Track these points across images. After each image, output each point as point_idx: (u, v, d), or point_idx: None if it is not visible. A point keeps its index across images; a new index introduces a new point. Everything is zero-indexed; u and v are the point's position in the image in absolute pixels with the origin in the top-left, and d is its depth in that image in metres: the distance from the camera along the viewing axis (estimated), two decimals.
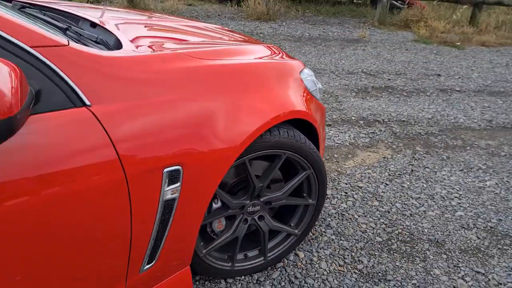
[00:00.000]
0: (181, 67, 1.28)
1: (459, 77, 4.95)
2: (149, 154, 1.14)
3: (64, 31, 1.34)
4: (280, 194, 1.68)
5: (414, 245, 2.04)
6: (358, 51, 5.71)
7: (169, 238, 1.29)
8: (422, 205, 2.37)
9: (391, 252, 1.98)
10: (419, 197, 2.45)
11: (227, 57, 1.51)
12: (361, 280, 1.80)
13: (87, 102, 1.04)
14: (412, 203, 2.39)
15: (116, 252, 1.16)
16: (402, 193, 2.48)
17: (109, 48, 1.35)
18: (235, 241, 1.67)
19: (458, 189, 2.57)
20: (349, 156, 2.90)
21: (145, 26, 1.86)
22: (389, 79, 4.65)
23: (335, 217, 2.20)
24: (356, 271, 1.84)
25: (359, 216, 2.22)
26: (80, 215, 1.03)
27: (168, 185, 1.21)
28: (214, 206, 1.59)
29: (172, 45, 1.50)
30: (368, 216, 2.23)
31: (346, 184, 2.53)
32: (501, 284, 1.84)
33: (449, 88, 4.53)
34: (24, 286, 1.00)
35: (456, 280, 1.84)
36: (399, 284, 1.79)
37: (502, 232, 2.19)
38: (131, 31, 1.62)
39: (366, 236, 2.07)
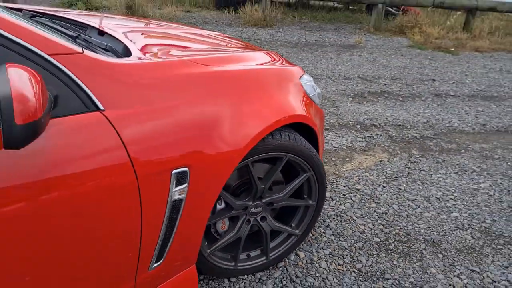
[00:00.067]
0: (188, 73, 1.34)
1: (454, 82, 5.03)
2: (159, 156, 1.20)
3: (74, 39, 1.40)
4: (282, 195, 1.73)
5: (411, 245, 2.10)
6: (354, 57, 5.80)
7: (176, 237, 1.35)
8: (418, 207, 2.44)
9: (389, 251, 2.04)
10: (415, 199, 2.51)
11: (230, 64, 1.57)
12: (360, 278, 1.85)
13: (101, 107, 1.10)
14: (409, 204, 2.45)
15: (127, 250, 1.22)
16: (399, 195, 2.55)
17: (117, 55, 1.40)
18: (238, 241, 1.72)
19: (453, 191, 2.64)
20: (347, 159, 2.97)
21: (150, 34, 1.92)
22: (385, 84, 4.73)
23: (334, 218, 2.26)
24: (355, 270, 1.90)
25: (357, 218, 2.28)
26: (96, 214, 1.08)
27: (176, 186, 1.26)
28: (218, 207, 1.64)
29: (178, 52, 1.56)
30: (366, 217, 2.29)
31: (344, 186, 2.59)
32: (495, 282, 1.90)
33: (443, 93, 4.62)
34: (45, 282, 1.05)
35: (452, 278, 1.90)
36: (397, 282, 1.85)
37: (496, 232, 2.25)
38: (138, 38, 1.68)
39: (364, 237, 2.13)
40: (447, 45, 6.90)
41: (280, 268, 1.87)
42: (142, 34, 1.83)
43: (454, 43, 7.04)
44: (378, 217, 2.31)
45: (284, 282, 1.79)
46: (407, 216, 2.34)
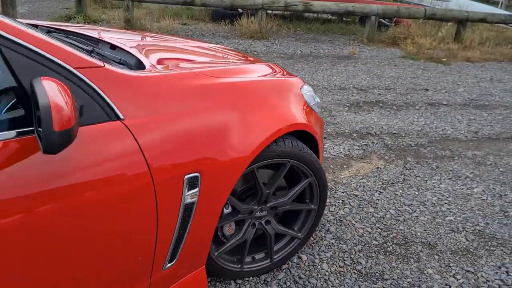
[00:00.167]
0: (198, 85, 1.44)
1: (446, 92, 5.17)
2: (173, 162, 1.29)
3: (89, 53, 1.49)
4: (286, 200, 1.82)
5: (408, 248, 2.19)
6: (349, 68, 5.93)
7: (188, 239, 1.43)
8: (415, 211, 2.53)
9: (387, 254, 2.13)
10: (412, 204, 2.61)
11: (236, 75, 1.67)
12: (360, 279, 1.94)
13: (121, 116, 1.19)
14: (405, 209, 2.54)
15: (144, 250, 1.30)
16: (396, 200, 2.64)
17: (131, 68, 1.50)
18: (244, 244, 1.81)
19: (447, 196, 2.73)
20: (344, 166, 3.06)
21: (157, 47, 2.02)
22: (380, 94, 4.85)
23: (333, 223, 2.35)
24: (356, 272, 1.98)
25: (356, 222, 2.37)
26: (117, 217, 1.17)
27: (188, 190, 1.34)
28: (225, 211, 1.72)
29: (187, 65, 1.66)
30: (365, 221, 2.38)
31: (343, 192, 2.68)
32: (489, 281, 1.99)
33: (436, 102, 4.74)
34: (74, 278, 1.13)
35: (448, 278, 1.98)
36: (396, 282, 1.93)
37: (490, 235, 2.35)
38: (147, 52, 1.78)
39: (363, 240, 2.22)
40: (439, 56, 7.05)
41: (284, 270, 1.95)
42: (149, 48, 1.93)
43: (446, 54, 7.21)
44: (376, 221, 2.40)
45: (288, 283, 1.87)
46: (404, 220, 2.43)
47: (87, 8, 7.68)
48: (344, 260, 2.05)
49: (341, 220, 2.38)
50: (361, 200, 2.61)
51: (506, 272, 2.06)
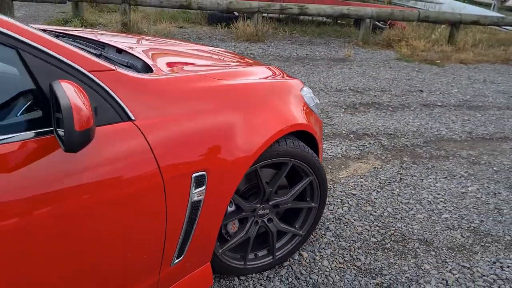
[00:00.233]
0: (204, 87, 1.49)
1: (440, 93, 5.25)
2: (181, 161, 1.34)
3: (98, 57, 1.54)
4: (287, 198, 1.88)
5: (406, 244, 2.25)
6: (344, 70, 6.01)
7: (195, 236, 1.48)
8: (411, 209, 2.59)
9: (385, 250, 2.19)
10: (408, 202, 2.67)
11: (239, 78, 1.72)
12: (360, 275, 2.00)
13: (132, 117, 1.24)
14: (402, 207, 2.61)
15: (154, 246, 1.35)
16: (393, 199, 2.70)
17: (138, 71, 1.55)
18: (247, 242, 1.86)
19: (443, 194, 2.80)
20: (342, 167, 3.12)
21: (161, 51, 2.07)
22: (375, 96, 4.93)
23: (333, 221, 2.41)
24: (355, 268, 2.04)
25: (354, 220, 2.43)
26: (130, 214, 1.22)
27: (195, 188, 1.40)
28: (229, 209, 1.78)
29: (191, 68, 1.72)
30: (363, 219, 2.44)
31: (341, 192, 2.75)
32: (484, 276, 2.05)
33: (431, 103, 4.82)
34: (90, 272, 1.18)
35: (444, 274, 2.05)
36: (394, 277, 1.99)
37: (484, 232, 2.42)
38: (152, 55, 1.83)
39: (362, 237, 2.28)
40: (433, 58, 7.15)
41: (286, 267, 2.00)
42: (154, 51, 1.98)
43: (440, 56, 7.31)
44: (374, 219, 2.46)
45: (290, 279, 1.93)
46: (401, 218, 2.49)
47: (84, 12, 7.71)
48: (344, 257, 2.11)
49: (340, 219, 2.44)
50: (359, 199, 2.67)
51: (501, 267, 2.12)
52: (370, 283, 1.95)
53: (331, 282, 1.93)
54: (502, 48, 8.05)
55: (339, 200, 2.64)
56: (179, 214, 1.38)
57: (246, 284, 1.88)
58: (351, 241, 2.24)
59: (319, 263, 2.05)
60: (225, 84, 1.59)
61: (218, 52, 2.43)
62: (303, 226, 2.01)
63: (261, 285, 1.89)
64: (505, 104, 4.98)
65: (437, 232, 2.37)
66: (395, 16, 7.85)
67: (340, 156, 3.30)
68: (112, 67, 1.26)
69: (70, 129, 0.92)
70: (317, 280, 1.94)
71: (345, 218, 2.44)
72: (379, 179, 2.95)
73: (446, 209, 2.62)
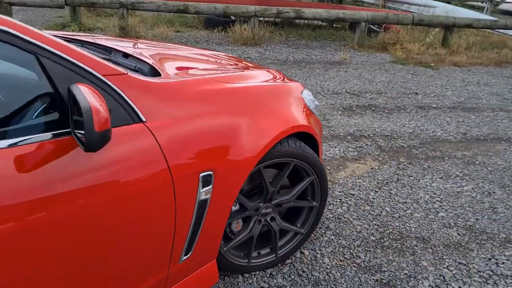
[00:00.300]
0: (211, 90, 1.55)
1: (435, 95, 5.34)
2: (189, 160, 1.40)
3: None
4: (289, 197, 1.94)
5: (404, 242, 2.31)
6: (341, 73, 6.09)
7: (202, 233, 1.53)
8: (409, 208, 2.66)
9: (384, 248, 2.25)
10: (406, 202, 2.74)
11: (242, 81, 1.79)
12: (360, 272, 2.05)
13: (143, 119, 1.30)
14: (400, 207, 2.67)
15: (164, 243, 1.40)
16: (390, 198, 2.77)
17: (145, 75, 1.60)
18: (250, 240, 1.91)
19: (439, 194, 2.87)
20: (340, 168, 3.19)
21: (166, 55, 2.12)
22: (372, 98, 5.01)
23: (333, 220, 2.47)
24: (355, 265, 2.10)
25: (354, 219, 2.49)
26: (143, 212, 1.27)
27: (203, 187, 1.45)
28: (233, 208, 1.83)
29: (197, 71, 1.77)
30: (362, 219, 2.51)
31: (340, 192, 2.81)
32: (480, 271, 2.12)
33: (426, 105, 4.90)
34: (104, 266, 1.23)
35: (442, 270, 2.11)
36: (393, 274, 2.05)
37: (480, 229, 2.49)
38: (158, 60, 1.89)
39: (361, 236, 2.34)
40: (428, 61, 7.25)
41: (288, 265, 2.06)
42: (160, 56, 2.03)
43: (434, 59, 7.41)
44: (373, 218, 2.52)
45: (293, 276, 1.98)
46: (399, 217, 2.56)
47: (81, 17, 7.75)
48: (344, 255, 2.17)
49: (340, 218, 2.50)
50: (357, 199, 2.73)
51: (496, 263, 2.19)
52: (370, 280, 2.01)
53: (332, 279, 1.99)
54: (495, 51, 8.17)
55: (338, 200, 2.70)
56: (187, 212, 1.44)
57: (250, 281, 1.94)
58: (351, 240, 2.30)
59: (320, 261, 2.10)
60: (230, 87, 1.65)
61: (220, 56, 2.49)
62: (305, 225, 2.07)
63: (264, 282, 1.94)
64: (498, 106, 5.07)
65: (434, 230, 2.44)
66: (389, 19, 7.95)
67: (338, 157, 3.37)
68: (124, 71, 1.31)
69: (90, 130, 0.98)
70: (318, 277, 1.99)
71: (345, 217, 2.51)
72: (376, 180, 3.02)
73: (442, 208, 2.69)
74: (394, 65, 6.87)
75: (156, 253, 1.39)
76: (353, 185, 2.92)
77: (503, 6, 14.37)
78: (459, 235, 2.42)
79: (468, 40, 8.43)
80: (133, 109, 1.27)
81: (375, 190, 2.86)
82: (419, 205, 2.71)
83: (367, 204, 2.67)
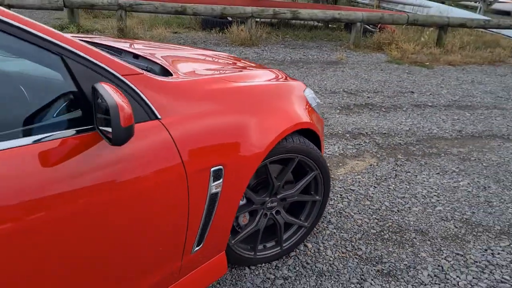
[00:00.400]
0: (220, 88, 1.63)
1: (430, 94, 5.45)
2: (202, 156, 1.47)
3: None
4: (294, 192, 2.01)
5: (403, 235, 2.40)
6: (337, 72, 6.18)
7: (213, 226, 1.61)
8: (407, 203, 2.75)
9: (384, 240, 2.33)
10: (404, 196, 2.83)
11: (249, 80, 1.86)
12: (362, 263, 2.14)
13: (159, 116, 1.37)
14: (398, 201, 2.76)
15: (178, 235, 1.47)
16: (389, 193, 2.86)
17: (157, 75, 1.67)
18: (257, 233, 1.99)
19: (436, 188, 2.96)
20: (340, 164, 3.27)
21: (175, 56, 2.20)
22: (369, 97, 5.10)
23: (334, 215, 2.55)
24: (357, 257, 2.18)
25: (354, 214, 2.58)
26: (160, 204, 1.34)
27: (214, 181, 1.53)
28: (241, 203, 1.91)
29: (206, 71, 1.85)
30: (362, 213, 2.59)
31: (340, 188, 2.89)
32: (477, 262, 2.21)
33: (422, 104, 5.00)
34: (122, 256, 1.30)
35: (440, 260, 2.20)
36: (393, 265, 2.14)
37: (476, 222, 2.58)
38: (169, 61, 1.96)
39: (362, 229, 2.42)
40: (423, 60, 7.37)
41: (292, 257, 2.14)
42: (169, 57, 2.11)
43: (429, 58, 7.53)
44: (373, 212, 2.60)
45: (297, 268, 2.06)
46: (398, 211, 2.64)
47: (79, 18, 7.80)
48: (346, 247, 2.25)
49: (341, 212, 2.58)
50: (357, 194, 2.81)
51: (492, 254, 2.28)
52: (372, 270, 2.09)
53: (335, 270, 2.07)
54: (488, 50, 8.31)
55: (339, 196, 2.78)
56: (199, 205, 1.51)
57: (257, 273, 2.01)
58: (352, 233, 2.38)
59: (323, 253, 2.18)
60: (238, 86, 1.73)
61: (223, 56, 2.56)
62: (308, 218, 2.15)
63: (270, 273, 2.02)
64: (492, 104, 5.18)
65: (431, 223, 2.53)
66: (385, 19, 8.06)
67: (338, 154, 3.45)
68: (141, 71, 1.38)
69: (117, 125, 1.05)
70: (322, 268, 2.07)
71: (346, 212, 2.59)
72: (375, 176, 3.11)
73: (439, 202, 2.78)
74: (390, 64, 6.98)
75: (171, 243, 1.46)
76: (353, 181, 3.00)
77: (496, 6, 14.54)
78: (456, 227, 2.51)
79: (462, 39, 8.56)
80: (149, 106, 1.34)
81: (374, 186, 2.94)
82: (417, 199, 2.80)
83: (367, 199, 2.76)
